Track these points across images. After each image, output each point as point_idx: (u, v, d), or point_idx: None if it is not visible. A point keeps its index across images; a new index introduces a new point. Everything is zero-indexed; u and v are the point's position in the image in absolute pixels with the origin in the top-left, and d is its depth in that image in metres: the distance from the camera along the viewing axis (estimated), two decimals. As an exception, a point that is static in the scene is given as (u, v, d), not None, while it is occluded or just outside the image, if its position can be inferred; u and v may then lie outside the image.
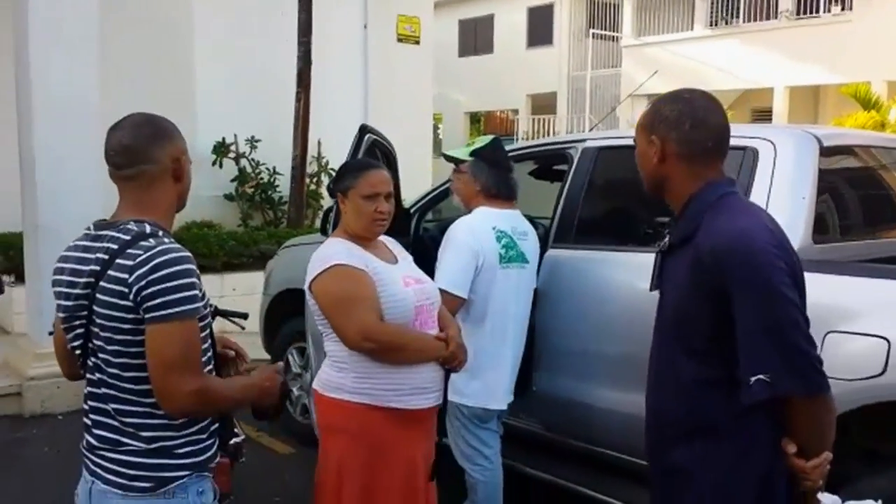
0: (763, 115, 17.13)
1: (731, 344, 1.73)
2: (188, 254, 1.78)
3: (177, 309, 1.70)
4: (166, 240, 1.78)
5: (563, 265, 3.47)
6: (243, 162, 8.14)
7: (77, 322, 1.81)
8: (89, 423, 1.86)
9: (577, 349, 3.41)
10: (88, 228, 1.86)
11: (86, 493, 1.86)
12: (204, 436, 1.87)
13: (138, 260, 1.71)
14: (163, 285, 1.69)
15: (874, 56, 14.12)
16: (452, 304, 3.06)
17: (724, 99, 17.32)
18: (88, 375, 1.86)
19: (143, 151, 1.83)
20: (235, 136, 8.01)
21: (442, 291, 2.98)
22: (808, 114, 17.22)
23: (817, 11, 15.79)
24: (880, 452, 2.69)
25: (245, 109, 7.92)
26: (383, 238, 2.70)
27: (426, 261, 3.63)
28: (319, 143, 8.48)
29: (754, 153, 3.00)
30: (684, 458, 1.86)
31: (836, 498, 1.80)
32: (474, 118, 25.06)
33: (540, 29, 21.82)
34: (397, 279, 2.55)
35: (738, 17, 17.30)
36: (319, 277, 2.48)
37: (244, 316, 3.05)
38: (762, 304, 1.68)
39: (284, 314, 4.81)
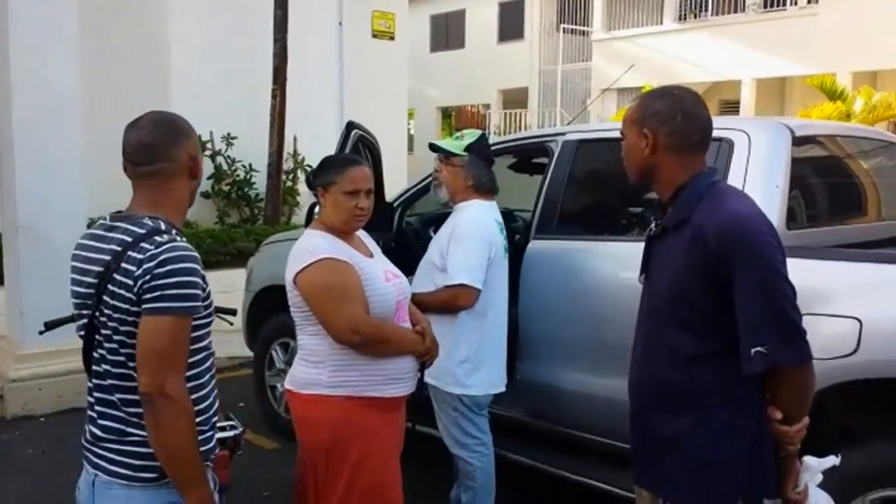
0: (731, 107, 17.37)
1: (725, 319, 1.86)
2: (196, 254, 1.83)
3: (172, 304, 1.75)
4: (178, 238, 1.83)
5: (546, 256, 3.54)
6: (219, 159, 8.15)
7: (86, 311, 1.86)
8: (94, 414, 1.90)
9: (559, 337, 3.49)
10: (104, 219, 1.90)
11: (88, 485, 1.89)
12: (206, 427, 1.91)
13: (147, 254, 1.76)
14: (164, 280, 1.75)
15: (840, 48, 14.37)
16: (470, 296, 3.13)
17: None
18: (94, 367, 1.89)
19: (162, 149, 1.88)
20: (211, 133, 8.01)
21: (462, 287, 3.07)
22: (775, 105, 17.49)
23: (784, 4, 16.05)
24: (855, 430, 2.81)
25: (221, 107, 7.92)
26: (358, 232, 2.73)
27: (408, 254, 3.70)
28: (295, 139, 8.49)
29: (730, 144, 3.10)
30: (679, 425, 1.97)
31: (819, 459, 1.95)
32: (446, 113, 25.11)
33: (511, 24, 21.96)
34: (379, 274, 2.60)
35: (706, 10, 17.53)
36: (306, 270, 2.48)
37: (233, 312, 3.08)
38: (763, 282, 1.82)
39: (267, 310, 4.84)
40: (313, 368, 2.56)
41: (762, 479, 1.94)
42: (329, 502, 2.55)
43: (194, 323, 1.83)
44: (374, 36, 9.30)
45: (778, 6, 16.17)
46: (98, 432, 1.88)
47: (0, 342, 5.72)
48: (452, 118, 25.38)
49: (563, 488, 3.58)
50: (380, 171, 4.04)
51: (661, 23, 18.23)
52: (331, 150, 3.51)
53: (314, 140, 8.10)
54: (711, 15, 17.40)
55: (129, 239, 1.80)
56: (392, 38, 9.46)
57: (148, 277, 1.74)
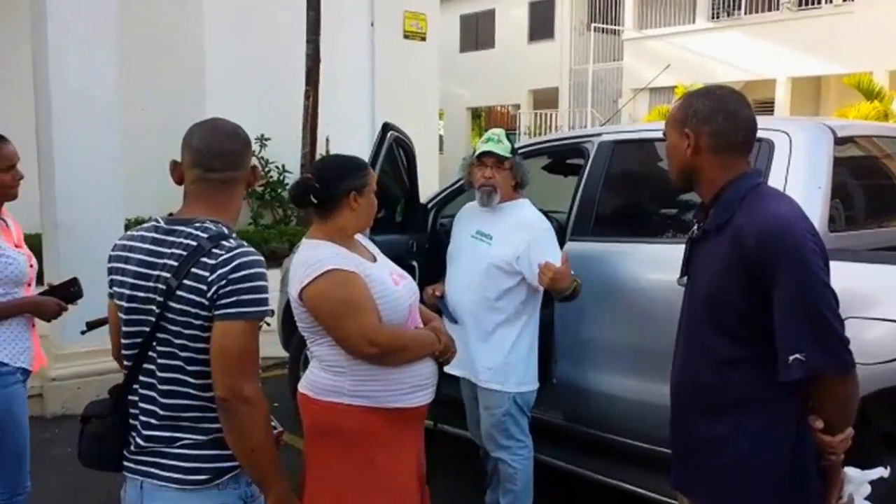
0: (765, 107, 17.13)
1: (763, 324, 1.82)
2: (262, 258, 1.85)
3: (247, 309, 1.78)
4: (244, 243, 1.86)
5: (582, 257, 3.52)
6: (253, 160, 8.23)
7: (142, 315, 1.87)
8: (138, 424, 1.91)
9: (596, 340, 3.48)
10: (157, 221, 1.92)
11: (136, 489, 1.91)
12: None
13: (220, 259, 1.78)
14: (239, 285, 1.77)
15: (876, 46, 14.15)
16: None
17: (727, 91, 17.42)
18: (142, 378, 1.90)
19: (239, 158, 1.92)
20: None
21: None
22: (810, 105, 17.26)
23: (819, 2, 15.83)
24: (898, 436, 2.77)
25: (255, 108, 7.96)
26: (357, 236, 2.58)
27: (441, 254, 3.71)
28: (328, 140, 8.54)
29: (770, 144, 3.07)
30: (717, 429, 1.95)
31: (863, 472, 1.91)
32: (475, 113, 25.10)
33: (541, 23, 21.88)
34: (386, 278, 2.47)
35: (739, 8, 17.33)
36: (313, 284, 2.31)
37: (271, 313, 3.11)
38: (803, 287, 1.78)
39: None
40: (334, 376, 2.41)
41: (803, 488, 1.90)
42: None
43: None
44: (406, 37, 9.33)
45: (812, 4, 15.96)
46: (142, 442, 1.90)
47: (41, 342, 5.83)
48: (482, 119, 25.36)
49: (599, 492, 3.56)
50: (414, 173, 4.07)
51: (694, 21, 18.05)
52: (362, 150, 3.54)
53: (346, 141, 8.14)
54: (745, 13, 17.19)
55: (195, 244, 1.81)
56: (423, 39, 9.48)
57: (224, 282, 1.76)
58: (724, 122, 1.93)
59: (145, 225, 1.95)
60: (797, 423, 1.88)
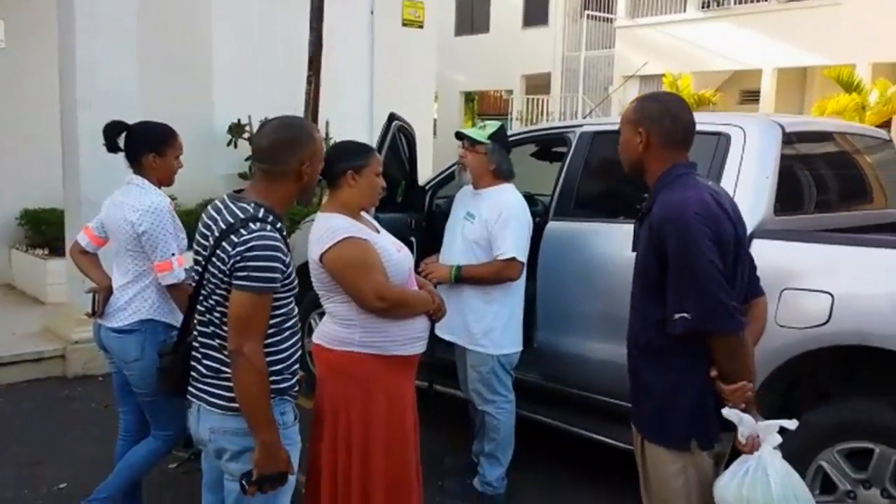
0: (751, 97, 17.48)
1: None
2: (280, 244, 2.21)
3: (254, 283, 2.17)
4: (268, 227, 2.21)
5: (562, 236, 3.95)
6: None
7: (197, 267, 2.32)
8: (199, 355, 2.35)
9: (573, 309, 3.91)
10: (226, 196, 2.33)
11: (195, 411, 2.36)
12: (287, 373, 2.33)
13: (241, 239, 2.17)
14: (249, 263, 2.16)
15: (861, 38, 14.48)
16: (518, 269, 3.63)
17: (715, 79, 17.71)
18: (199, 317, 2.35)
19: (275, 155, 2.29)
20: (250, 117, 8.41)
21: (512, 260, 3.56)
22: (796, 95, 17.58)
23: (807, -6, 16.12)
24: (828, 392, 3.20)
25: (259, 92, 8.30)
26: (363, 213, 3.00)
27: (437, 231, 4.12)
28: (328, 123, 8.86)
29: (727, 138, 3.49)
30: (646, 373, 2.39)
31: (742, 415, 2.23)
32: (469, 98, 25.19)
33: (536, 9, 22.05)
34: (390, 247, 2.89)
35: (729, -1, 17.65)
36: (333, 248, 2.73)
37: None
38: (685, 260, 2.17)
39: (307, 283, 5.25)
40: (345, 328, 2.84)
41: (707, 425, 2.30)
42: (351, 451, 2.85)
43: (275, 294, 2.24)
44: (404, 24, 9.61)
45: (800, -4, 16.24)
46: (202, 370, 2.33)
47: (60, 308, 6.23)
48: (475, 103, 25.54)
49: (573, 443, 4.01)
50: (414, 158, 4.47)
51: (685, 10, 18.31)
52: (359, 133, 3.89)
53: (345, 125, 8.47)
54: (735, 3, 17.46)
55: (232, 221, 2.22)
56: (421, 27, 9.77)
57: (238, 258, 2.16)
58: (669, 123, 2.34)
59: (221, 196, 2.35)
60: (702, 373, 2.27)
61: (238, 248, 2.16)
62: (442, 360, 4.02)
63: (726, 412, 2.23)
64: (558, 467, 4.24)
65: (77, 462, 4.24)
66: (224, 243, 2.20)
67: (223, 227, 2.23)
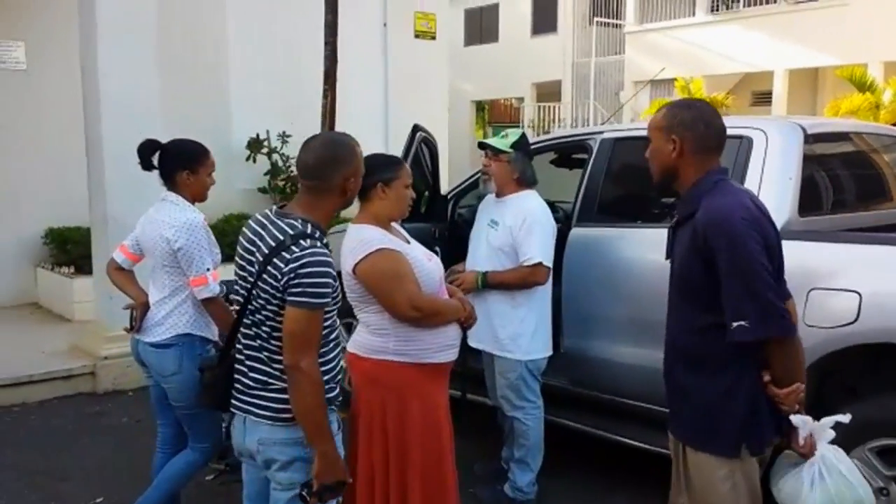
0: (763, 98, 17.45)
1: (719, 295, 2.23)
2: (330, 259, 2.26)
3: (307, 300, 2.21)
4: (318, 243, 2.26)
5: (586, 241, 3.99)
6: (275, 156, 8.63)
7: (244, 283, 2.35)
8: (245, 368, 2.39)
9: (599, 314, 3.94)
10: (270, 211, 2.38)
11: (241, 422, 2.40)
12: (332, 384, 2.38)
13: (294, 256, 2.21)
14: (303, 280, 2.20)
15: (871, 38, 14.47)
16: (545, 274, 3.68)
17: (726, 83, 17.72)
18: (244, 330, 2.39)
19: (319, 171, 2.34)
20: (268, 132, 8.50)
21: (539, 266, 3.60)
22: (808, 96, 17.54)
23: (816, -5, 16.13)
24: (858, 390, 3.22)
25: (277, 107, 8.38)
26: (393, 223, 3.04)
27: (460, 239, 4.17)
28: (344, 136, 8.96)
29: (749, 141, 3.52)
30: (691, 380, 2.40)
31: (805, 418, 2.30)
32: (479, 106, 25.32)
33: (544, 17, 22.16)
34: (421, 256, 2.93)
35: (738, 2, 17.61)
36: (366, 259, 2.76)
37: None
38: (736, 265, 2.18)
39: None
40: (379, 338, 2.87)
41: (759, 431, 2.32)
42: (389, 459, 2.87)
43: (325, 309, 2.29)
44: (417, 36, 9.67)
45: (810, -3, 16.25)
46: (249, 382, 2.38)
47: (88, 325, 6.32)
48: (486, 112, 25.64)
49: (602, 448, 4.04)
50: (437, 168, 4.53)
51: (694, 14, 18.34)
52: (376, 145, 3.92)
53: (360, 137, 8.49)
54: (744, 6, 17.48)
55: (282, 237, 2.26)
56: (433, 38, 9.83)
57: (292, 275, 2.20)
58: (703, 129, 2.35)
59: (263, 211, 2.41)
60: (754, 379, 2.29)
61: (291, 265, 2.20)
62: (472, 368, 4.07)
63: (795, 419, 2.27)
64: (588, 472, 4.27)
65: (110, 476, 4.30)
66: (276, 260, 2.24)
67: (272, 243, 2.27)
